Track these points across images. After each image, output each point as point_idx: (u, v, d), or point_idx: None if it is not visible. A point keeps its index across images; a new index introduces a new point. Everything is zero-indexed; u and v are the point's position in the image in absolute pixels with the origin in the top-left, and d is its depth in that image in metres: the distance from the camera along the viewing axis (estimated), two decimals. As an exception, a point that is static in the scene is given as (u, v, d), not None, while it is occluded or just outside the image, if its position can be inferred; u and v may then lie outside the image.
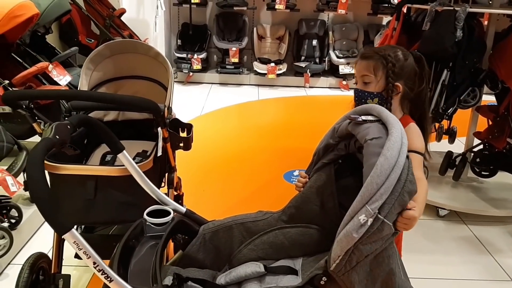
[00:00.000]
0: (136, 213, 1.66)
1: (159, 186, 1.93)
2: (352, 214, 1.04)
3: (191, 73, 5.95)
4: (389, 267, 1.11)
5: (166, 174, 1.94)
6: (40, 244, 2.37)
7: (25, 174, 2.70)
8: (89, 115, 2.05)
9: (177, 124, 1.87)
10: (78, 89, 2.00)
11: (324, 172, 1.41)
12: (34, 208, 2.54)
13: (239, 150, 3.93)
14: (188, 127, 1.91)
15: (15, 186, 2.29)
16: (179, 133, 1.87)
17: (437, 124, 3.01)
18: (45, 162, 1.57)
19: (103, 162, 1.98)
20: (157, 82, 2.11)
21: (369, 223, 1.02)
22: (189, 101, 5.27)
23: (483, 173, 2.97)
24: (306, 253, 1.43)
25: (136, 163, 1.68)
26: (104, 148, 2.10)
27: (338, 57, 5.95)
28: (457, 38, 2.49)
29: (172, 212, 1.24)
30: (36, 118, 1.73)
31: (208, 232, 1.40)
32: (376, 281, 1.11)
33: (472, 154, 2.96)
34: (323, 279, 1.09)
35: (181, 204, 2.32)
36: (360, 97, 1.56)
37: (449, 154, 3.04)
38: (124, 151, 1.36)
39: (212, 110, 5.05)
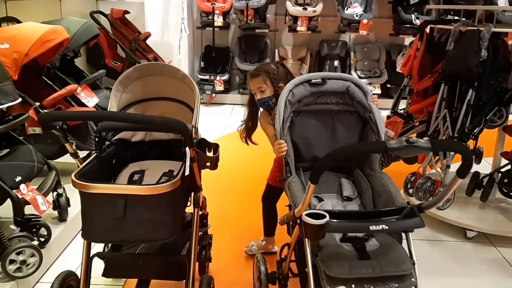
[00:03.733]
0: (165, 231, 1.70)
1: (185, 206, 1.96)
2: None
3: (213, 95, 6.02)
4: None
5: (192, 194, 1.96)
6: (69, 262, 2.41)
7: (54, 194, 2.74)
8: (118, 136, 2.10)
9: (204, 144, 1.89)
10: (108, 110, 2.04)
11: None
12: (62, 226, 2.60)
13: (261, 170, 3.92)
14: (215, 146, 1.93)
15: (45, 205, 2.35)
16: (206, 153, 1.90)
17: (463, 144, 2.97)
18: (76, 181, 1.62)
19: (131, 181, 2.02)
20: (183, 103, 2.16)
21: None
22: (212, 122, 5.32)
23: (511, 194, 2.91)
24: None
25: (163, 182, 1.72)
26: (131, 168, 2.14)
27: (360, 77, 5.93)
28: (482, 57, 2.49)
29: None
30: (69, 138, 1.79)
31: None
32: None
33: (500, 174, 2.91)
34: None
35: (206, 223, 2.34)
36: (264, 102, 2.30)
37: (476, 174, 2.99)
38: None
39: (235, 130, 5.07)
